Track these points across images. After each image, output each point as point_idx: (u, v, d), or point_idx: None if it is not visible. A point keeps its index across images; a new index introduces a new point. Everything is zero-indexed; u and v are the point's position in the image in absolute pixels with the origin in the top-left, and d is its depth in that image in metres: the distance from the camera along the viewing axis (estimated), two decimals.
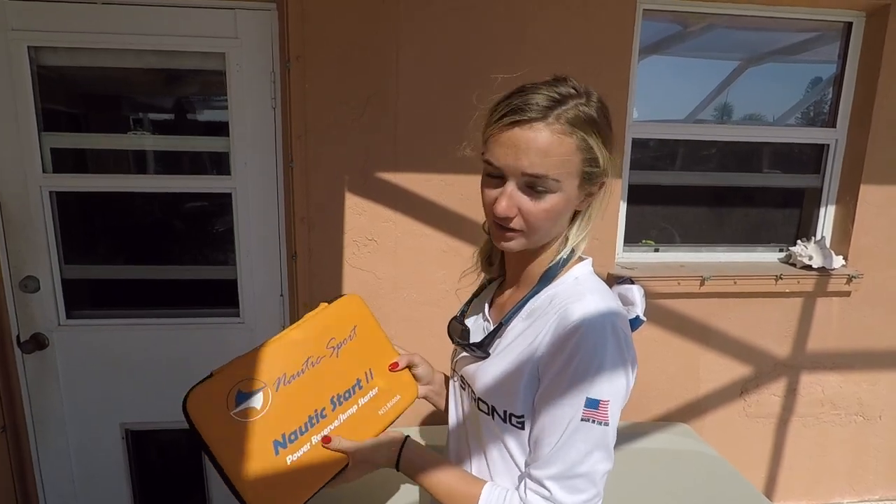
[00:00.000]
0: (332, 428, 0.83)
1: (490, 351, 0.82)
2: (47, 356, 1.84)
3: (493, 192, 0.75)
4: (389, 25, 1.73)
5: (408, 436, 0.86)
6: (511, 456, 0.80)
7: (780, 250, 2.24)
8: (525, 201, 0.73)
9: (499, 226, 0.77)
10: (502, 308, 0.87)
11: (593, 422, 0.70)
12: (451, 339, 0.91)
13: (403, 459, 0.82)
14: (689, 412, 2.17)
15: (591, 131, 0.73)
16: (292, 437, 0.79)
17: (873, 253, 2.11)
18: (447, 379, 1.03)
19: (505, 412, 0.78)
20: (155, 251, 1.93)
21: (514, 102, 0.71)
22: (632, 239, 2.13)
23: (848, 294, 2.13)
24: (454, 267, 1.87)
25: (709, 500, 1.58)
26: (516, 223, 0.75)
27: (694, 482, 1.66)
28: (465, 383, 0.88)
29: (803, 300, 2.12)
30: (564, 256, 0.80)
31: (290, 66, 1.70)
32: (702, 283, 2.00)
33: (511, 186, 0.73)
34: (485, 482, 0.79)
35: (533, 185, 0.72)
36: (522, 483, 0.75)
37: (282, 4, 1.68)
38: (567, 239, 0.81)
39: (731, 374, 2.17)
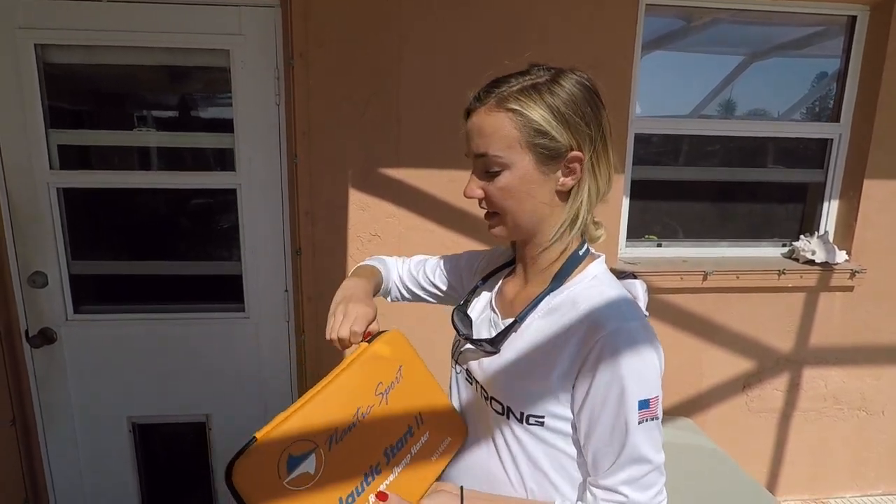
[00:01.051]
0: (388, 483, 0.75)
1: (500, 347, 0.80)
2: (55, 350, 1.87)
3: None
4: (392, 22, 1.74)
5: (462, 486, 0.82)
6: (522, 450, 0.79)
7: (783, 245, 2.24)
8: (484, 183, 0.78)
9: (485, 213, 0.82)
10: (512, 302, 0.86)
11: (649, 420, 0.71)
12: (457, 331, 0.89)
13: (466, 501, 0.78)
14: (691, 406, 2.18)
15: (533, 106, 0.72)
16: (349, 499, 0.71)
17: (876, 248, 2.11)
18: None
19: (522, 413, 0.77)
20: (161, 247, 1.94)
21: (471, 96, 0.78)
22: (635, 234, 2.14)
23: (851, 289, 2.13)
24: None
25: (711, 494, 1.59)
26: (488, 205, 0.80)
27: (697, 476, 1.67)
28: (471, 377, 0.86)
29: (806, 295, 2.13)
30: (579, 252, 0.80)
31: (293, 63, 1.71)
32: (704, 278, 2.01)
33: (474, 170, 0.79)
34: (552, 502, 0.77)
35: (485, 167, 0.77)
36: (590, 494, 0.75)
37: (285, 2, 1.69)
38: (569, 228, 0.78)
39: (733, 369, 2.17)
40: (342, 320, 0.84)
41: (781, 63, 2.17)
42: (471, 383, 0.87)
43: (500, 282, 0.92)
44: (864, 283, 2.10)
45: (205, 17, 1.71)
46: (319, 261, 1.86)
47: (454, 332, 0.91)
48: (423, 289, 1.10)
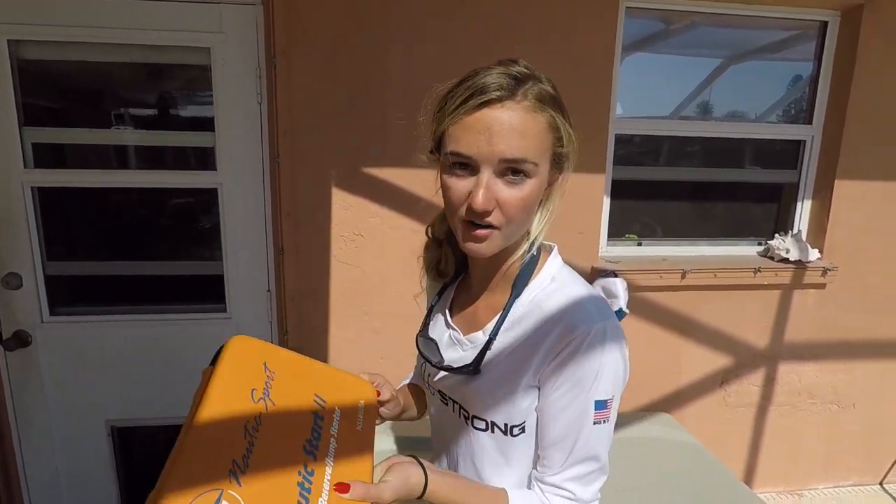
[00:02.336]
0: (329, 476, 0.64)
1: (481, 369, 0.76)
2: (30, 353, 1.82)
3: (462, 184, 0.67)
4: (376, 20, 1.74)
5: (414, 455, 0.74)
6: (506, 461, 0.79)
7: (759, 244, 2.29)
8: (502, 191, 0.66)
9: (470, 224, 0.69)
10: (472, 315, 0.83)
11: (603, 422, 0.71)
12: (428, 362, 0.83)
13: (430, 482, 0.70)
14: (670, 402, 2.22)
15: (557, 109, 0.68)
16: None
17: (847, 246, 2.17)
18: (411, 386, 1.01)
19: (506, 425, 0.76)
20: (140, 247, 1.91)
21: (477, 84, 0.65)
22: (615, 233, 2.17)
23: (823, 286, 2.19)
24: None
25: (689, 488, 1.62)
26: (494, 217, 0.67)
27: (675, 470, 1.70)
28: (446, 398, 0.84)
29: (781, 292, 2.18)
30: (533, 254, 0.76)
31: (275, 62, 1.70)
32: (683, 276, 2.05)
33: (487, 176, 0.66)
34: (505, 492, 0.75)
35: (510, 171, 0.66)
36: (538, 488, 0.75)
37: None
38: (529, 233, 0.75)
39: (711, 365, 2.22)
40: None
41: (758, 66, 2.23)
42: (447, 404, 0.84)
43: (451, 295, 0.88)
44: (835, 281, 2.17)
45: (185, 14, 1.69)
46: (302, 260, 1.86)
47: (420, 359, 0.88)
48: None
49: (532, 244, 0.76)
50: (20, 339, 1.79)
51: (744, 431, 2.33)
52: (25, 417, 1.88)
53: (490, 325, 0.78)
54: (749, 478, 2.38)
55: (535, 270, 0.77)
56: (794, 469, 2.41)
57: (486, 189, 0.66)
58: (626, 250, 2.19)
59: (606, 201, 2.09)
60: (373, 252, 1.89)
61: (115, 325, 1.86)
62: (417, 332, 0.88)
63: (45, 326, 1.82)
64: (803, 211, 2.23)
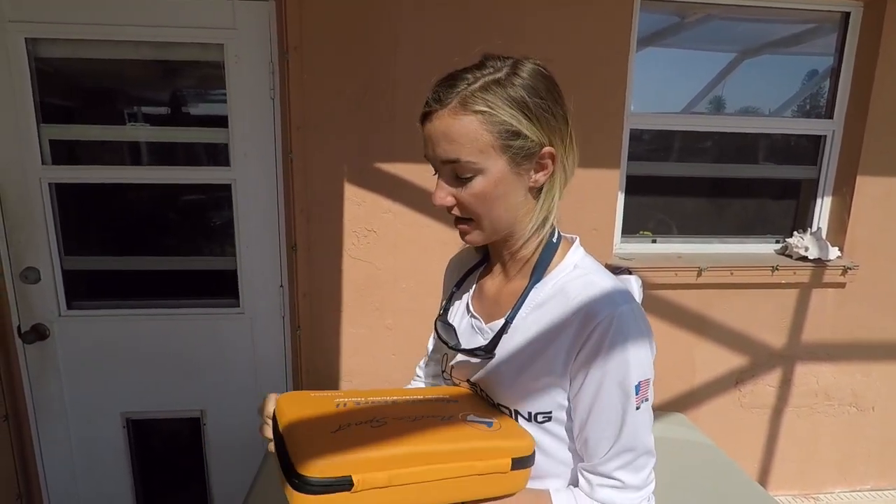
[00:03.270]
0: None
1: (495, 352, 0.78)
2: (48, 346, 1.86)
3: (435, 185, 0.77)
4: (387, 14, 1.73)
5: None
6: (549, 444, 0.78)
7: (777, 241, 2.25)
8: (456, 189, 0.74)
9: (454, 220, 0.78)
10: (496, 300, 0.84)
11: (643, 403, 0.72)
12: (445, 344, 0.85)
13: None
14: (684, 402, 2.20)
15: (502, 107, 0.69)
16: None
17: (869, 244, 2.12)
18: None
19: (529, 413, 0.76)
20: (155, 242, 1.93)
21: (428, 97, 0.73)
22: (629, 230, 2.14)
23: (843, 285, 2.14)
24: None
25: (703, 489, 1.60)
26: (461, 211, 0.75)
27: (689, 471, 1.68)
28: (474, 386, 0.85)
29: (799, 291, 2.14)
30: (552, 240, 0.78)
31: (288, 57, 1.70)
32: (699, 274, 2.02)
33: (442, 176, 0.75)
34: (548, 491, 0.76)
35: (456, 172, 0.72)
36: (586, 481, 0.75)
37: None
38: (530, 220, 0.77)
39: (726, 365, 2.19)
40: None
41: (773, 60, 2.18)
42: (477, 392, 0.85)
43: (476, 283, 0.90)
44: (856, 280, 2.12)
45: (198, 10, 1.70)
46: (315, 256, 1.86)
47: (441, 345, 0.88)
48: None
49: (538, 229, 0.77)
50: (38, 333, 1.82)
51: (759, 433, 2.30)
52: (43, 409, 1.91)
53: (511, 312, 0.79)
54: (764, 480, 2.35)
55: (557, 258, 0.79)
56: (809, 472, 2.37)
57: (440, 187, 0.75)
58: (641, 247, 2.16)
59: (621, 197, 2.07)
60: (385, 248, 1.89)
61: (131, 320, 1.88)
62: (436, 317, 0.90)
63: (62, 320, 1.85)
64: (823, 208, 2.19)
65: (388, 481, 0.63)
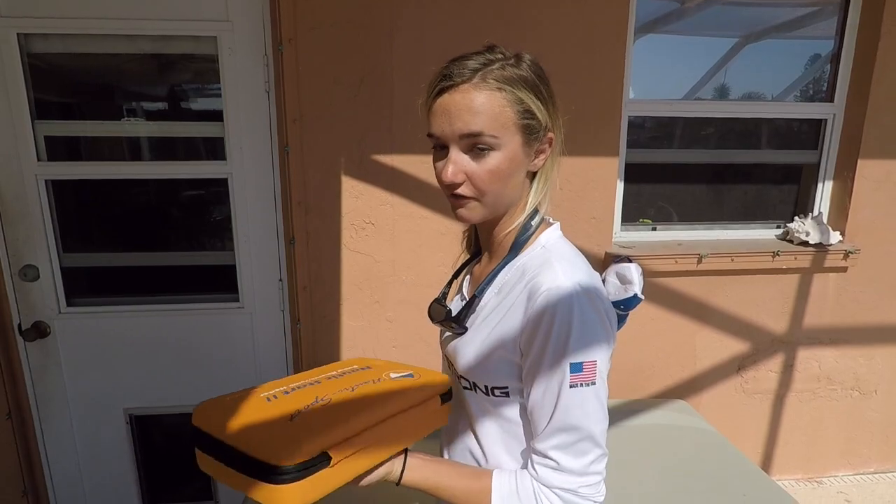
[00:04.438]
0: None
1: (467, 325, 0.82)
2: (49, 344, 1.86)
3: (440, 164, 0.76)
4: (382, 5, 1.71)
5: (407, 450, 0.79)
6: (507, 421, 0.81)
7: (778, 227, 2.24)
8: (469, 164, 0.74)
9: (453, 196, 0.77)
10: (477, 282, 0.88)
11: (582, 385, 0.71)
12: (431, 320, 0.90)
13: (408, 468, 0.76)
14: (686, 389, 2.20)
15: (521, 86, 0.73)
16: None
17: (871, 228, 2.11)
18: None
19: (486, 386, 0.79)
20: (153, 238, 1.93)
21: (441, 73, 0.74)
22: (629, 218, 2.13)
23: (845, 269, 2.13)
24: (452, 249, 1.87)
25: (706, 475, 1.61)
26: (466, 189, 0.75)
27: (691, 458, 1.68)
28: (448, 361, 0.88)
29: (800, 276, 2.13)
30: (531, 222, 0.80)
31: (282, 49, 1.68)
32: (699, 261, 2.01)
33: (454, 152, 0.74)
34: (491, 472, 0.78)
35: (473, 146, 0.73)
36: (529, 460, 0.76)
37: None
38: (527, 203, 0.81)
39: (728, 351, 2.19)
40: None
41: (774, 45, 2.16)
42: (451, 367, 0.88)
43: (472, 269, 0.95)
44: (857, 264, 2.11)
45: (191, 3, 1.68)
46: (313, 249, 1.85)
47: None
48: None
49: (531, 214, 0.80)
50: (39, 330, 1.82)
51: (761, 418, 2.30)
52: (46, 406, 1.92)
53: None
54: (767, 465, 2.35)
55: (532, 239, 0.81)
56: (813, 456, 2.37)
57: (453, 164, 0.74)
58: (641, 235, 2.15)
59: (620, 185, 2.05)
60: (384, 240, 1.88)
61: (131, 316, 1.88)
62: (433, 300, 0.93)
63: (62, 317, 1.85)
64: (824, 192, 2.17)
65: (356, 446, 0.68)
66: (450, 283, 0.96)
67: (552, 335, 0.70)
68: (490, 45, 0.77)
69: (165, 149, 1.84)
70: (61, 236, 1.82)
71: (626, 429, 1.83)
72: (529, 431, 0.78)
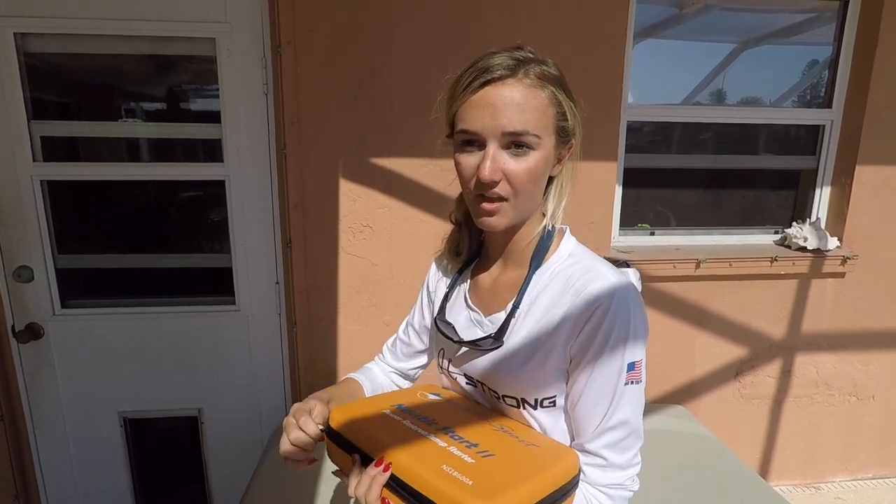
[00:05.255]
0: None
1: (504, 340, 0.78)
2: (43, 346, 1.84)
3: (471, 160, 0.73)
4: (382, 7, 1.71)
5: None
6: (552, 430, 0.79)
7: (776, 232, 2.24)
8: (508, 162, 0.71)
9: (482, 198, 0.73)
10: (492, 293, 0.84)
11: (633, 383, 0.73)
12: (449, 339, 0.84)
13: None
14: (684, 394, 2.19)
15: (559, 86, 0.73)
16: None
17: (868, 234, 2.11)
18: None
19: (536, 400, 0.77)
20: (149, 240, 1.91)
21: (479, 66, 0.71)
22: (627, 223, 2.13)
23: (842, 275, 2.13)
24: None
25: (704, 481, 1.60)
26: (502, 188, 0.72)
27: (689, 463, 1.68)
28: (472, 380, 0.85)
29: (798, 282, 2.13)
30: (550, 230, 0.80)
31: (281, 51, 1.68)
32: (697, 266, 2.01)
33: (493, 148, 0.71)
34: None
35: (514, 143, 0.71)
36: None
37: None
38: (545, 211, 0.80)
39: (726, 356, 2.18)
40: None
41: (772, 51, 2.16)
42: (475, 385, 0.85)
43: (469, 279, 0.90)
44: (855, 270, 2.11)
45: (190, 4, 1.68)
46: (310, 252, 1.85)
47: (438, 344, 0.90)
48: (413, 356, 1.06)
49: (550, 221, 0.79)
50: (32, 332, 1.80)
51: (759, 424, 2.29)
52: (39, 409, 1.90)
53: (513, 302, 0.79)
54: (765, 471, 2.35)
55: (553, 247, 0.80)
56: (811, 462, 2.37)
57: (493, 160, 0.70)
58: (639, 240, 2.15)
59: (618, 190, 2.05)
60: (381, 243, 1.87)
61: (126, 318, 1.87)
62: (434, 315, 0.90)
63: (56, 319, 1.83)
64: (822, 198, 2.18)
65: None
66: (445, 296, 0.91)
67: (613, 336, 0.71)
68: (514, 45, 0.75)
69: (163, 150, 1.83)
70: (56, 237, 1.80)
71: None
72: (564, 430, 0.79)
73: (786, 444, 2.33)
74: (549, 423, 0.78)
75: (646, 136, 2.12)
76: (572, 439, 0.78)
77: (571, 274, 0.76)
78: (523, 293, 0.78)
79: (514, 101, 0.69)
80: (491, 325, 0.81)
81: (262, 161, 1.80)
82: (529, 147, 0.71)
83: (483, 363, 0.81)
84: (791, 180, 2.22)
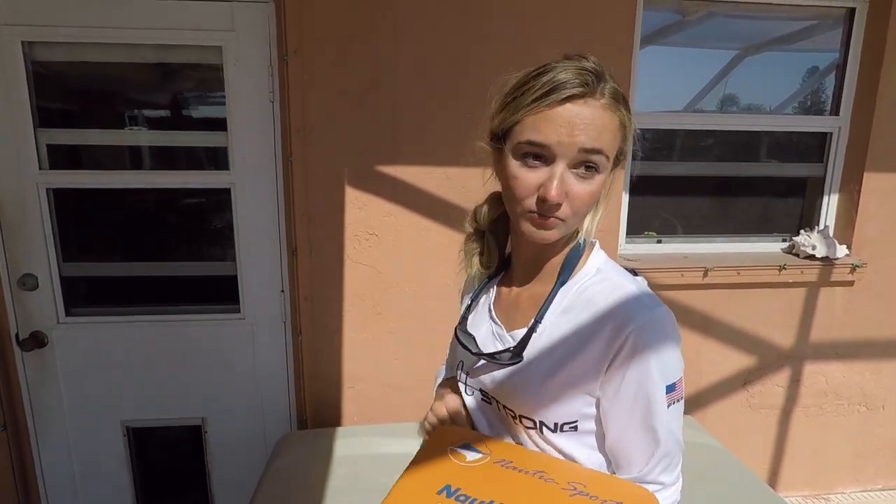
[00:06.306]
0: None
1: (524, 354, 0.75)
2: (47, 354, 1.83)
3: (534, 176, 0.68)
4: (387, 16, 1.71)
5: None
6: (570, 457, 0.76)
7: (784, 240, 2.23)
8: (573, 183, 0.68)
9: (537, 214, 0.70)
10: (515, 307, 0.81)
11: (675, 402, 0.71)
12: (468, 350, 0.81)
13: None
14: (692, 403, 2.17)
15: (625, 107, 0.70)
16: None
17: (877, 242, 2.10)
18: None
19: (555, 423, 0.74)
20: (154, 248, 1.91)
21: (558, 78, 0.66)
22: (634, 230, 2.12)
23: (851, 283, 2.12)
24: (456, 261, 1.85)
25: (712, 491, 1.58)
26: (563, 209, 0.68)
27: (697, 473, 1.65)
28: (487, 397, 0.81)
29: (807, 290, 2.11)
30: (580, 244, 0.77)
31: (287, 60, 1.68)
32: (705, 274, 1.99)
33: (561, 167, 0.67)
34: None
35: (584, 164, 0.68)
36: None
37: None
38: (581, 226, 0.76)
39: (734, 365, 2.16)
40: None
41: (774, 57, 2.16)
42: (489, 402, 0.82)
43: (494, 290, 0.87)
44: (864, 278, 2.10)
45: (196, 12, 1.68)
46: (316, 260, 1.84)
47: (456, 357, 0.87)
48: None
49: (584, 235, 0.77)
50: (36, 340, 1.80)
51: (768, 434, 2.27)
52: (42, 417, 1.89)
53: (534, 317, 0.76)
54: (773, 481, 2.32)
55: (581, 262, 0.78)
56: (820, 472, 2.34)
57: (561, 181, 0.67)
58: (646, 248, 2.14)
59: (625, 198, 2.04)
60: (387, 251, 1.86)
61: (130, 326, 1.86)
62: (456, 325, 0.86)
63: (60, 327, 1.82)
64: (830, 206, 2.16)
65: None
66: (468, 308, 0.87)
67: (651, 361, 0.68)
68: (574, 54, 0.71)
69: (168, 158, 1.83)
70: (61, 245, 1.80)
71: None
72: (595, 455, 0.76)
73: (795, 454, 2.30)
74: (568, 448, 0.75)
75: (651, 143, 2.11)
76: (610, 467, 0.76)
77: (597, 292, 0.73)
78: (546, 308, 0.75)
79: (594, 122, 0.66)
80: (512, 339, 0.78)
81: (268, 169, 1.80)
82: (597, 169, 0.68)
83: (500, 378, 0.78)
84: (798, 188, 2.21)
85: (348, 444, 1.75)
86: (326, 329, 1.90)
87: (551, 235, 0.71)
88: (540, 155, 0.68)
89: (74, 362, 1.85)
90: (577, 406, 0.73)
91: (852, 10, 2.01)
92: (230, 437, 1.98)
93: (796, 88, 2.19)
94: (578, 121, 0.66)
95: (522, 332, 0.77)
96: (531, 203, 0.69)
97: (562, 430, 0.74)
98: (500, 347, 0.79)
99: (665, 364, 0.69)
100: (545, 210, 0.68)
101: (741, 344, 2.14)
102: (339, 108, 1.75)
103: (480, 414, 0.84)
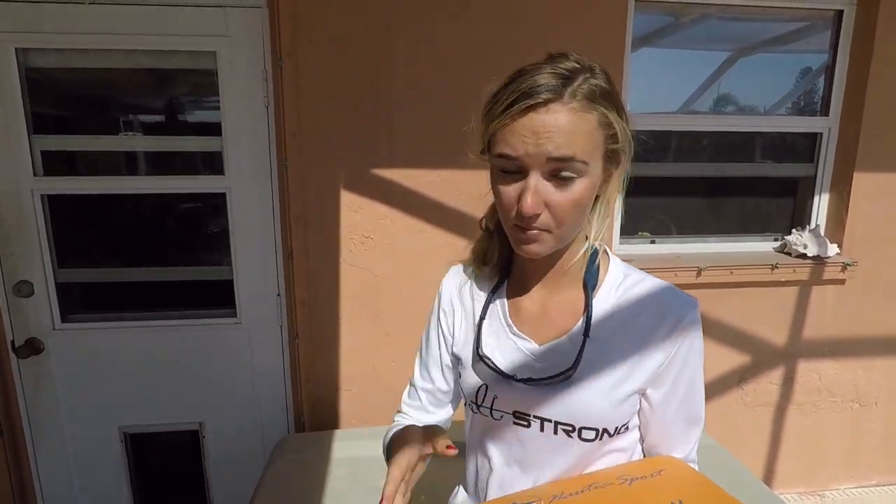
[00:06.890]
0: None
1: (578, 369, 0.72)
2: (43, 361, 1.83)
3: (513, 189, 0.66)
4: (381, 20, 1.72)
5: None
6: (619, 453, 0.79)
7: (776, 239, 2.25)
8: (551, 193, 0.65)
9: (520, 228, 0.68)
10: (542, 319, 0.78)
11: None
12: (511, 378, 0.76)
13: None
14: None
15: (607, 104, 0.66)
16: None
17: (868, 240, 2.12)
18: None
19: (616, 428, 0.74)
20: (150, 253, 1.91)
21: (522, 87, 0.63)
22: (628, 231, 2.14)
23: (843, 282, 2.14)
24: (451, 263, 1.86)
25: None
26: (543, 220, 0.66)
27: None
28: (526, 418, 0.76)
29: (799, 289, 2.13)
30: (596, 248, 0.77)
31: (282, 64, 1.68)
32: (698, 274, 2.01)
33: (535, 178, 0.65)
34: None
35: (559, 172, 0.64)
36: None
37: (272, 2, 1.67)
38: (589, 230, 0.75)
39: (728, 364, 2.18)
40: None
41: (767, 58, 2.18)
42: (528, 425, 0.76)
43: (501, 303, 0.82)
44: (855, 276, 2.12)
45: (190, 17, 1.69)
46: (312, 264, 1.84)
47: (479, 380, 0.79)
48: (444, 404, 0.93)
49: (594, 241, 0.77)
50: (32, 347, 1.79)
51: (763, 431, 2.29)
52: (39, 424, 1.88)
53: (577, 327, 0.75)
54: (769, 478, 2.34)
55: (603, 266, 0.79)
56: (815, 469, 2.35)
57: (534, 193, 0.65)
58: (640, 248, 2.15)
59: (619, 199, 2.05)
60: (383, 255, 1.87)
61: (127, 332, 1.86)
62: (472, 350, 0.80)
63: (56, 334, 1.82)
64: (821, 205, 2.18)
65: None
66: (479, 330, 0.81)
67: (699, 356, 0.76)
68: (557, 53, 0.68)
69: (163, 163, 1.83)
70: (57, 251, 1.80)
71: None
72: (636, 448, 0.81)
73: (789, 451, 2.32)
74: (623, 445, 0.78)
75: (644, 144, 2.13)
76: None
77: (643, 292, 0.75)
78: (590, 317, 0.73)
79: (559, 128, 0.63)
80: (552, 353, 0.74)
81: (263, 173, 1.81)
82: (576, 175, 0.65)
83: (554, 394, 0.73)
84: (789, 188, 2.23)
85: (346, 447, 1.75)
86: (323, 332, 1.90)
87: (540, 249, 0.69)
88: (514, 169, 0.66)
89: (71, 369, 1.85)
90: (635, 404, 0.76)
91: (840, 13, 2.04)
92: (228, 441, 1.98)
93: (789, 89, 2.21)
94: (542, 129, 0.63)
95: (564, 342, 0.75)
96: (514, 216, 0.68)
97: (619, 433, 0.75)
98: (534, 363, 0.76)
99: (702, 355, 0.77)
100: (524, 223, 0.67)
101: (735, 342, 2.16)
102: (333, 112, 1.75)
103: (504, 435, 0.78)
